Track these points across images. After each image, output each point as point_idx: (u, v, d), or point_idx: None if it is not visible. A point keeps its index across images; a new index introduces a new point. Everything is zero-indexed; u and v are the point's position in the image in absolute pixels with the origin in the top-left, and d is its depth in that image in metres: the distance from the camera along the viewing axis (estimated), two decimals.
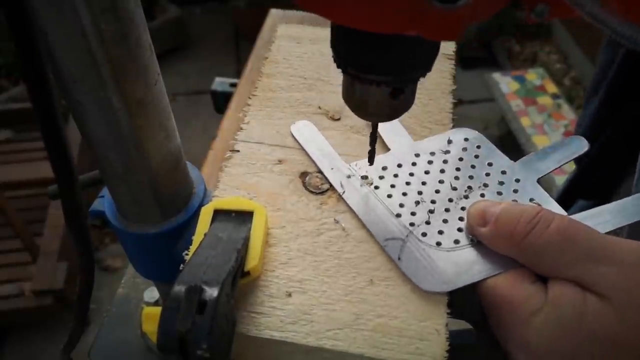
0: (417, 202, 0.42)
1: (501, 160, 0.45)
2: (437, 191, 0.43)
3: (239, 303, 0.36)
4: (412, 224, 0.40)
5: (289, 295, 0.37)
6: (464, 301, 0.39)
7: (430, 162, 0.45)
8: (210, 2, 3.08)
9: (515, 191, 0.42)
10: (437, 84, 0.52)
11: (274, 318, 0.36)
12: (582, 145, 0.44)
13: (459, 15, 0.23)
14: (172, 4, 2.77)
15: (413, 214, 0.41)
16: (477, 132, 0.47)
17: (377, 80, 0.31)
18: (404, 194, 0.42)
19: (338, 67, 0.33)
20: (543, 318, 0.33)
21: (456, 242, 0.39)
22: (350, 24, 0.26)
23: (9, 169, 1.89)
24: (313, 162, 0.45)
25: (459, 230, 0.40)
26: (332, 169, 0.44)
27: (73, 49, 0.30)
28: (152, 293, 0.57)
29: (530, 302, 0.34)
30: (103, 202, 0.44)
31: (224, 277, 0.30)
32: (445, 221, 0.41)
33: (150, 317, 0.51)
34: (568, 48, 2.63)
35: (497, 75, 2.31)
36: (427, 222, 0.41)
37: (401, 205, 0.42)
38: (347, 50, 0.31)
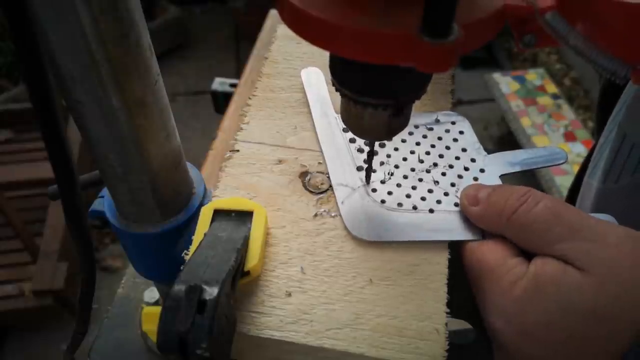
0: (382, 163, 0.45)
1: (476, 149, 0.46)
2: (405, 159, 0.45)
3: (239, 303, 0.36)
4: (369, 171, 0.43)
5: (289, 294, 0.37)
6: (464, 301, 0.39)
7: (410, 133, 0.47)
8: (210, 2, 3.08)
9: (475, 179, 0.44)
10: (436, 84, 0.52)
11: (274, 317, 0.36)
12: (559, 157, 0.45)
13: (449, 49, 0.24)
14: (172, 4, 2.77)
15: (374, 171, 0.43)
16: (465, 119, 0.49)
17: (372, 103, 0.33)
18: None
19: (335, 89, 0.34)
20: (522, 287, 0.34)
21: (399, 204, 0.42)
22: (347, 55, 0.27)
23: (9, 169, 1.89)
24: (307, 104, 0.49)
25: (407, 196, 0.42)
26: (320, 115, 0.48)
27: (73, 49, 0.30)
28: (152, 293, 0.57)
29: (512, 273, 0.35)
30: (103, 202, 0.44)
31: (223, 277, 0.30)
32: (398, 185, 0.43)
33: (150, 317, 0.51)
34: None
35: (497, 76, 2.31)
36: (382, 182, 0.43)
37: (366, 161, 0.44)
38: (343, 74, 0.33)
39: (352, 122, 0.36)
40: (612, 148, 0.49)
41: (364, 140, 0.46)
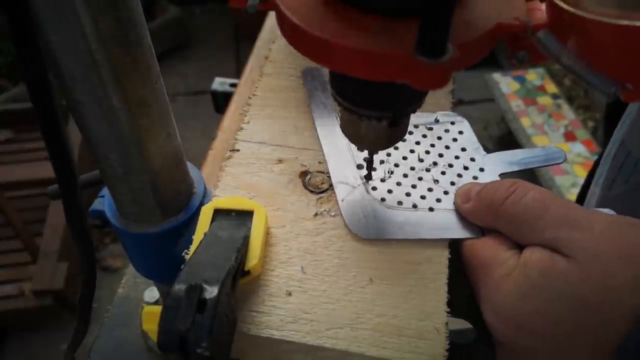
0: (382, 162, 0.45)
1: (475, 149, 0.47)
2: (405, 158, 0.46)
3: (239, 302, 0.36)
4: (368, 177, 0.43)
5: (289, 294, 0.37)
6: (464, 300, 0.39)
7: (410, 133, 0.48)
8: (210, 2, 3.08)
9: (475, 178, 0.44)
10: None
11: (274, 317, 0.36)
12: (558, 157, 0.45)
13: (444, 67, 0.24)
14: (172, 4, 2.77)
15: (374, 169, 0.44)
16: (465, 119, 0.49)
17: (371, 115, 0.34)
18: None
19: (335, 100, 0.35)
20: (512, 279, 0.35)
21: (399, 203, 0.42)
22: (345, 72, 0.28)
23: (9, 169, 1.88)
24: (307, 103, 0.50)
25: (407, 195, 0.43)
26: (321, 113, 0.48)
27: (73, 49, 0.30)
28: (152, 293, 0.57)
29: (504, 267, 0.36)
30: (103, 202, 0.44)
31: (224, 276, 0.30)
32: (398, 184, 0.44)
33: (151, 316, 0.51)
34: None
35: (497, 76, 2.31)
36: (382, 180, 0.44)
37: (366, 159, 0.44)
38: (342, 87, 0.34)
39: (351, 132, 0.37)
40: (612, 157, 0.50)
41: None
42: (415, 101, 0.34)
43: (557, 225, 0.34)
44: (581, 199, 0.66)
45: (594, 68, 0.28)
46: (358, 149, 0.46)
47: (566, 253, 0.33)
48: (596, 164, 0.60)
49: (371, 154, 0.42)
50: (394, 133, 0.37)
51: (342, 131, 0.38)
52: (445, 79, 0.25)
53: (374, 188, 0.43)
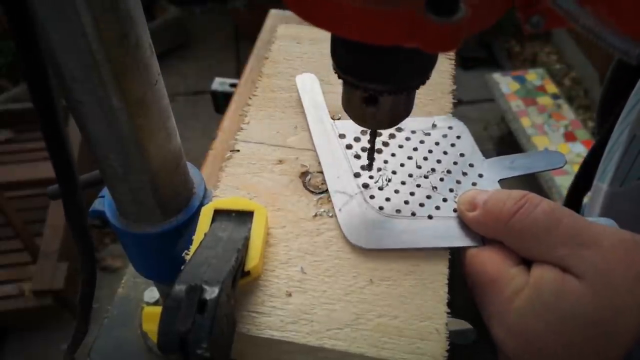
0: (379, 169, 0.44)
1: (474, 154, 0.46)
2: (402, 165, 0.45)
3: (240, 303, 0.36)
4: (365, 186, 0.43)
5: (289, 295, 0.37)
6: (464, 301, 0.39)
7: (407, 139, 0.47)
8: (210, 2, 3.08)
9: (474, 184, 0.44)
10: (437, 84, 0.52)
11: (274, 318, 0.36)
12: (559, 161, 0.45)
13: (455, 28, 0.23)
14: (172, 4, 2.77)
15: (371, 177, 0.44)
16: (463, 123, 0.48)
17: (376, 89, 0.32)
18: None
19: (337, 75, 0.33)
20: (523, 298, 0.34)
21: (397, 211, 0.41)
22: (350, 36, 0.26)
23: (9, 169, 1.89)
24: (304, 112, 0.49)
25: (406, 202, 0.42)
26: (316, 121, 0.47)
27: (74, 49, 0.30)
28: (152, 293, 0.57)
29: (513, 283, 0.35)
30: (103, 202, 0.44)
31: (224, 277, 0.30)
32: (396, 191, 0.43)
33: (151, 317, 0.51)
34: (568, 48, 2.64)
35: (497, 76, 2.31)
36: (380, 188, 0.43)
37: (363, 168, 0.44)
38: (346, 59, 0.32)
39: (354, 110, 0.36)
40: (622, 150, 0.49)
41: (361, 146, 0.45)
42: (421, 73, 0.32)
43: (568, 243, 0.34)
44: (573, 193, 0.65)
45: (614, 29, 0.26)
46: (348, 142, 0.46)
47: (576, 273, 0.33)
48: (591, 156, 0.59)
49: (373, 135, 0.40)
50: (398, 109, 0.35)
51: (344, 109, 0.37)
52: (456, 41, 0.24)
53: (372, 196, 0.42)
